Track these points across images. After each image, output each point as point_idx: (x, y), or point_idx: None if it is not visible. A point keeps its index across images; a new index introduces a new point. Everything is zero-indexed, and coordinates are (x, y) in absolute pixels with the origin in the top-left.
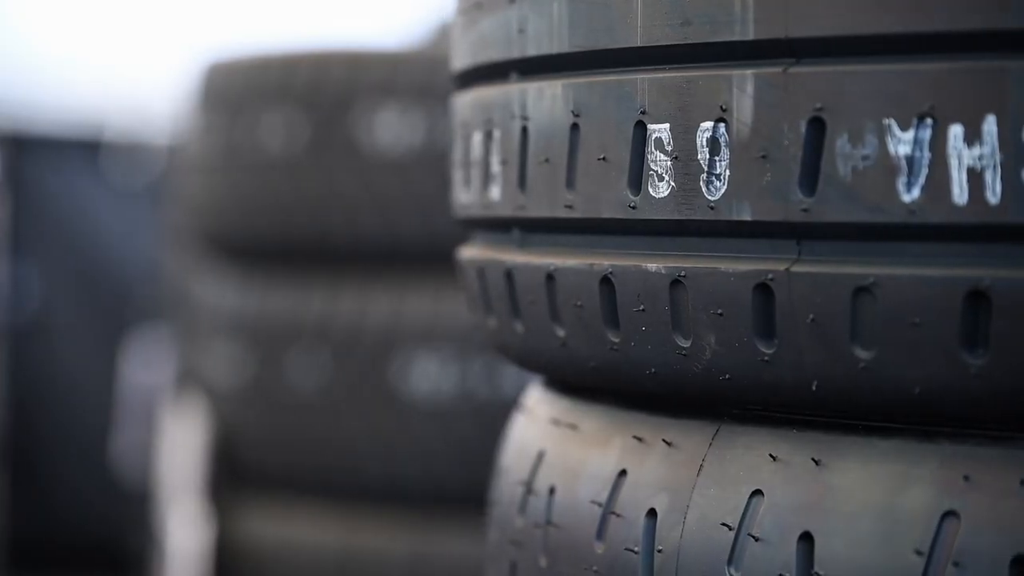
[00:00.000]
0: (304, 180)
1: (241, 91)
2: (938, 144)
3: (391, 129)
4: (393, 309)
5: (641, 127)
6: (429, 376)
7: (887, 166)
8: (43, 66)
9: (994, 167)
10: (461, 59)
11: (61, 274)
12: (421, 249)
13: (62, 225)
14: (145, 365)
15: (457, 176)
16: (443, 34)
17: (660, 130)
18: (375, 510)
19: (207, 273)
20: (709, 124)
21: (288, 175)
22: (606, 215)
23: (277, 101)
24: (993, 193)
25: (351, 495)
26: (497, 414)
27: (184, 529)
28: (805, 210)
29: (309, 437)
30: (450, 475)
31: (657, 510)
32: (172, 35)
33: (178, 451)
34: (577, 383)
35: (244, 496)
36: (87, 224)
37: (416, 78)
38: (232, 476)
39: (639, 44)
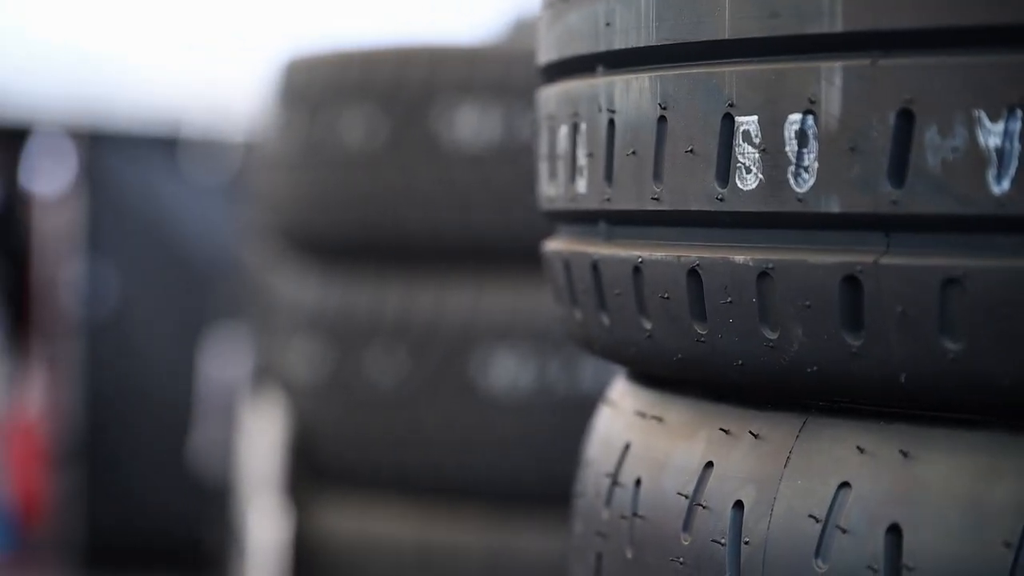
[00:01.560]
0: (383, 176)
1: (321, 88)
2: None
3: (470, 125)
4: (472, 304)
5: (729, 119)
6: (508, 371)
7: (976, 158)
8: (121, 63)
9: None
10: (547, 53)
11: (138, 270)
12: (500, 244)
13: (139, 221)
14: (224, 362)
15: (543, 169)
16: (520, 29)
17: (748, 122)
18: (454, 505)
19: (285, 269)
20: (797, 116)
21: (367, 171)
22: (694, 207)
23: (357, 98)
24: None
25: (429, 490)
26: (576, 408)
27: (264, 525)
28: (894, 202)
29: (387, 432)
30: (528, 470)
31: (744, 502)
32: (251, 31)
33: (257, 447)
34: (663, 375)
35: (323, 492)
36: (165, 220)
37: (495, 73)
38: (311, 472)
39: (727, 37)
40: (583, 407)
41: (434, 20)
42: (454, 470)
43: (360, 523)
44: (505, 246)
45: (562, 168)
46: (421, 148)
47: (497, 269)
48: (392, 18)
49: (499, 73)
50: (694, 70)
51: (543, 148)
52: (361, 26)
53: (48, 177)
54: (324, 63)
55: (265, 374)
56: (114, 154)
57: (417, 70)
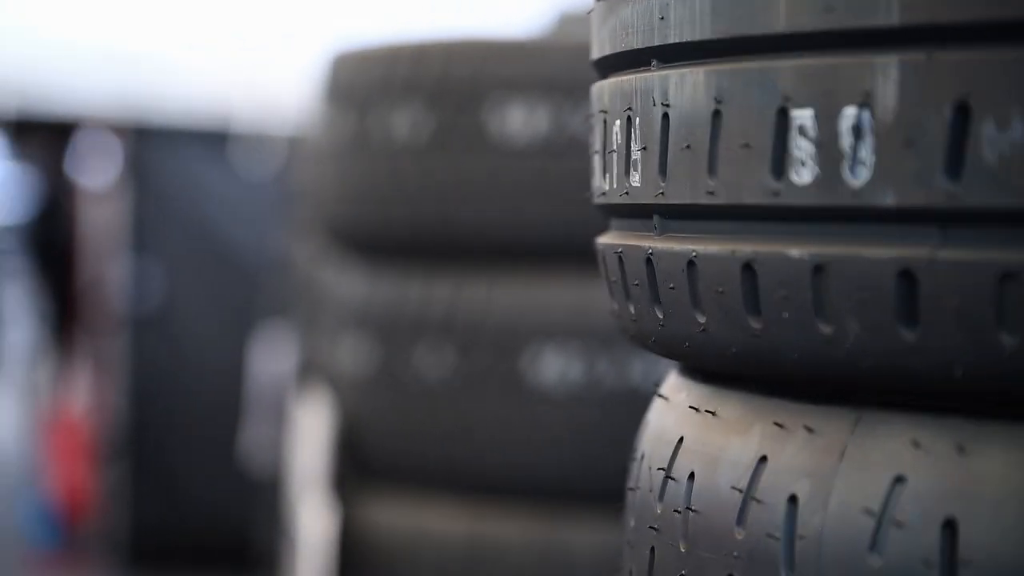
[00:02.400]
0: (432, 170)
1: (369, 82)
2: None
3: (519, 119)
4: (521, 299)
5: (784, 113)
6: (557, 365)
7: None
8: (167, 58)
9: None
10: (600, 47)
11: (184, 266)
12: (550, 239)
13: (185, 217)
14: (272, 357)
15: (596, 163)
16: (564, 23)
17: (803, 116)
18: (502, 501)
19: (333, 264)
20: (853, 110)
21: (415, 166)
22: (748, 201)
23: (405, 92)
24: None
25: (479, 485)
26: (625, 403)
27: (314, 521)
28: (950, 196)
29: (436, 428)
30: (577, 465)
31: (798, 496)
32: (298, 25)
33: (307, 444)
34: (717, 369)
35: (372, 487)
36: (211, 216)
37: (543, 67)
38: (359, 468)
39: (782, 30)
40: (632, 401)
41: (478, 15)
42: (503, 466)
43: (408, 519)
44: (556, 240)
45: (616, 162)
46: (469, 143)
47: (547, 263)
48: (436, 13)
49: (548, 67)
50: (749, 64)
51: (597, 142)
52: (406, 21)
53: (94, 173)
54: (371, 58)
55: (312, 370)
56: (160, 149)
57: (465, 64)
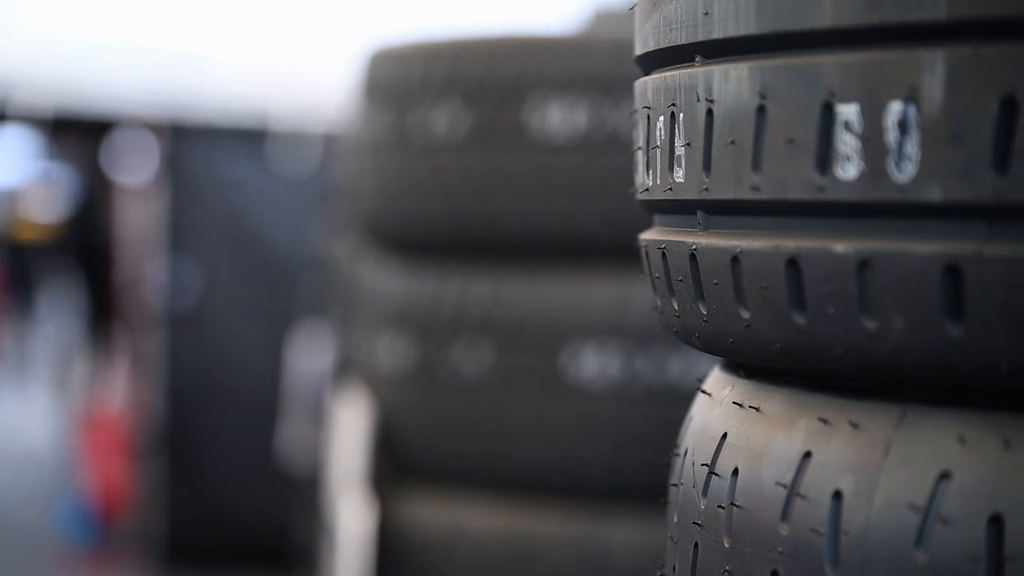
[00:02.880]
0: (470, 168)
1: (408, 80)
2: None
3: (558, 116)
4: (560, 296)
5: (829, 108)
6: (596, 362)
7: None
8: (205, 56)
9: None
10: (644, 43)
11: (221, 263)
12: (589, 236)
13: (223, 214)
14: (311, 354)
15: (639, 159)
16: (600, 19)
17: (848, 111)
18: (541, 497)
19: (371, 261)
20: (899, 105)
21: (454, 163)
22: (793, 197)
23: (443, 89)
24: None
25: (516, 482)
26: (664, 400)
27: (353, 518)
28: (997, 191)
29: (474, 425)
30: (617, 461)
31: (843, 492)
32: (336, 23)
33: (345, 441)
34: (761, 365)
35: (409, 484)
36: (248, 213)
37: (582, 64)
38: (397, 465)
39: (828, 26)
40: (671, 399)
41: (515, 12)
42: (541, 463)
43: (447, 515)
44: (593, 238)
45: (659, 158)
46: (507, 140)
47: (587, 261)
48: (474, 10)
49: (586, 64)
50: (794, 59)
51: (640, 138)
52: (442, 17)
53: (131, 171)
54: (410, 55)
55: (350, 367)
56: (197, 147)
57: (504, 60)
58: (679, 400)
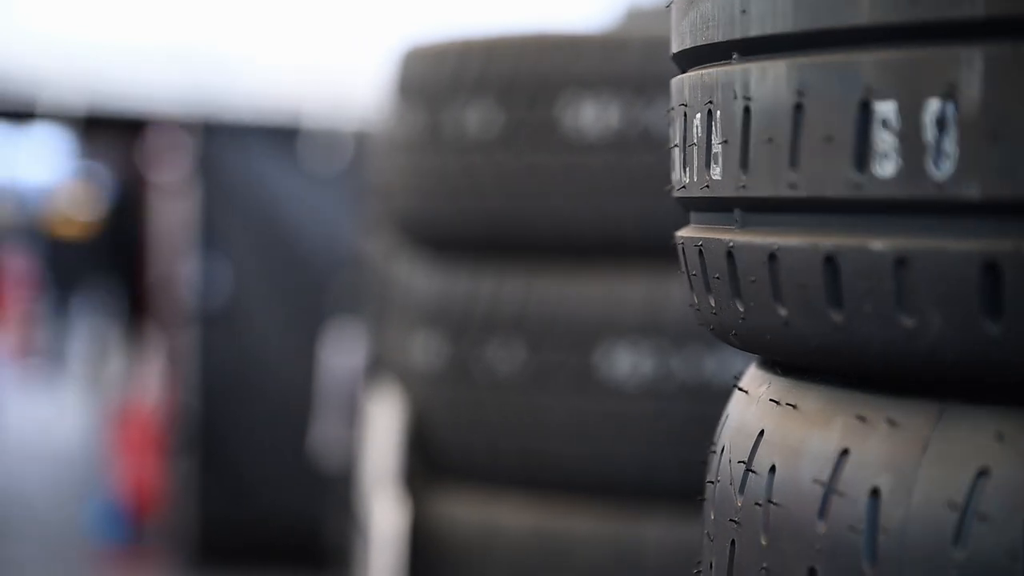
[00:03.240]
0: (503, 166)
1: (440, 78)
2: None
3: (591, 113)
4: (594, 293)
5: (867, 106)
6: (629, 360)
7: None
8: (237, 54)
9: None
10: (681, 41)
11: (254, 261)
12: (622, 234)
13: (255, 212)
14: (344, 352)
15: (676, 157)
16: (632, 16)
17: (886, 109)
18: (575, 496)
19: (405, 260)
20: (937, 102)
21: (487, 162)
22: (830, 194)
23: (476, 87)
24: None
25: (550, 481)
26: (698, 397)
27: (387, 516)
28: None
29: (508, 423)
30: (651, 459)
31: (881, 489)
32: (368, 21)
33: (378, 438)
34: (798, 362)
35: (444, 482)
36: (281, 211)
37: (615, 61)
38: (431, 463)
39: (865, 23)
40: (705, 396)
41: (548, 9)
42: (575, 461)
43: (480, 513)
44: (626, 236)
45: (696, 156)
46: (540, 138)
47: (621, 259)
48: (506, 7)
49: (619, 61)
50: (831, 56)
51: (677, 136)
52: (474, 15)
53: (164, 169)
54: (442, 52)
55: (383, 365)
56: (229, 146)
57: (536, 58)
58: (715, 398)
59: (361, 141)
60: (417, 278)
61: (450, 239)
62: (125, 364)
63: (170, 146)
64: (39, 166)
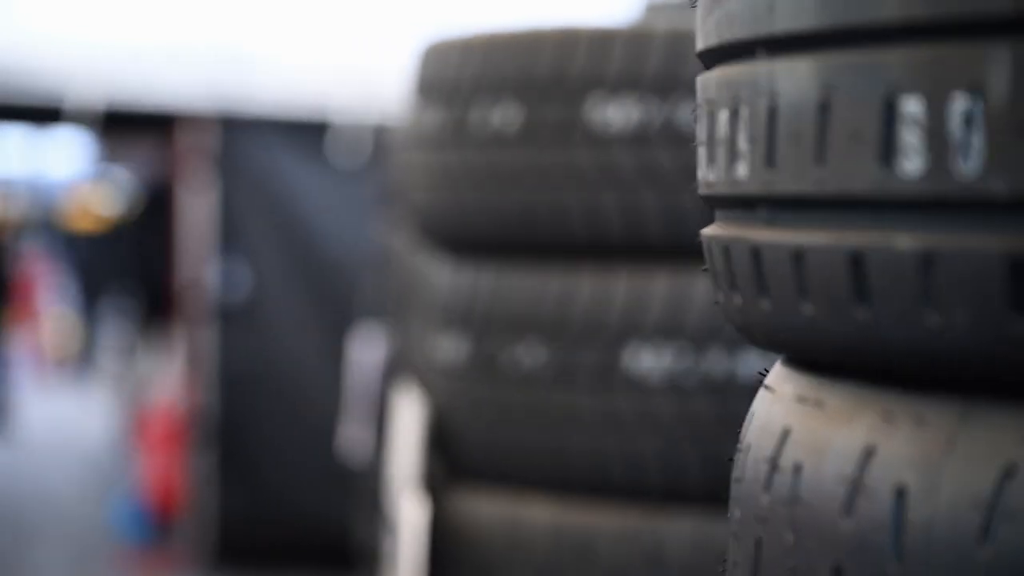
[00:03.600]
0: (525, 163)
1: (463, 74)
2: None
3: (614, 110)
4: (620, 290)
5: (893, 102)
6: (655, 358)
7: None
8: (259, 51)
9: None
10: (706, 38)
11: (277, 258)
12: (646, 231)
13: (278, 209)
14: (370, 350)
15: (702, 154)
16: (651, 12)
17: (912, 105)
18: (601, 493)
19: (428, 257)
20: (964, 98)
21: (509, 158)
22: (856, 191)
23: (499, 84)
24: None
25: (576, 479)
26: (725, 395)
27: (412, 516)
28: None
29: (533, 421)
30: (678, 457)
31: (906, 488)
32: (394, 16)
33: (403, 437)
34: (824, 360)
35: (468, 481)
36: (306, 208)
37: (638, 57)
38: (456, 461)
39: (892, 19)
40: (730, 394)
41: (569, 5)
42: (600, 458)
43: (504, 513)
44: (650, 233)
45: (722, 153)
46: (562, 135)
47: (648, 256)
48: (529, 3)
49: (642, 57)
50: (858, 53)
51: (702, 133)
52: (496, 11)
53: (188, 167)
54: (464, 48)
55: (407, 363)
56: (252, 142)
57: (558, 55)
58: (740, 395)
59: (386, 138)
60: (441, 275)
61: (472, 237)
62: (150, 363)
63: (194, 144)
64: (63, 165)
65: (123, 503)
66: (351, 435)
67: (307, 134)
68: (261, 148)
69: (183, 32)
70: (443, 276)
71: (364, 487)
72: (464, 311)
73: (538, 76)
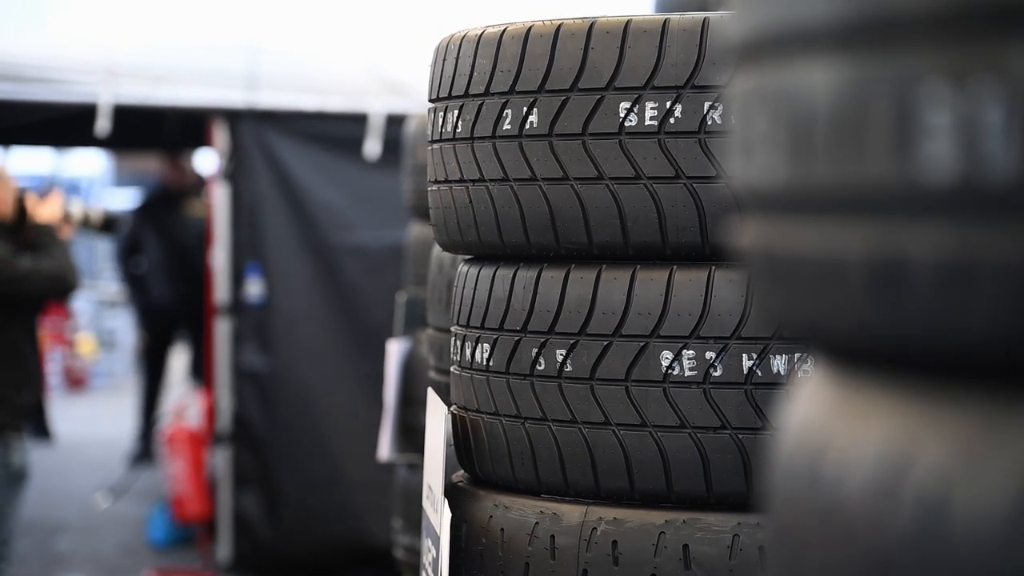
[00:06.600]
0: (544, 157)
1: (482, 66)
2: None
3: (634, 105)
4: (650, 291)
5: (922, 101)
6: (688, 359)
7: None
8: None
9: None
10: (735, 33)
11: (301, 258)
12: (676, 231)
13: (301, 206)
14: (402, 354)
15: (733, 153)
16: (666, 7)
17: (942, 103)
18: (630, 495)
19: (455, 259)
20: (995, 98)
21: (529, 155)
22: (889, 189)
23: (520, 76)
24: None
25: (604, 481)
26: (760, 394)
27: (447, 521)
28: None
29: (563, 423)
30: (712, 459)
31: (945, 488)
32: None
33: (435, 442)
34: (860, 360)
35: (498, 486)
36: (329, 206)
37: (659, 51)
38: (486, 469)
39: (919, 12)
40: (767, 393)
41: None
42: (630, 461)
43: (532, 514)
44: (679, 233)
45: (751, 150)
46: (583, 130)
47: (676, 257)
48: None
49: (664, 51)
50: (886, 46)
51: (733, 132)
52: (513, 3)
53: (209, 163)
54: (480, 42)
55: (435, 365)
56: (278, 139)
57: (575, 47)
58: (772, 395)
59: (412, 134)
60: (463, 276)
61: (493, 236)
62: (178, 374)
63: (215, 138)
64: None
65: (159, 515)
66: (391, 442)
67: (336, 131)
68: (289, 147)
69: (210, 29)
70: (466, 276)
71: (404, 496)
72: (493, 313)
73: (559, 69)
